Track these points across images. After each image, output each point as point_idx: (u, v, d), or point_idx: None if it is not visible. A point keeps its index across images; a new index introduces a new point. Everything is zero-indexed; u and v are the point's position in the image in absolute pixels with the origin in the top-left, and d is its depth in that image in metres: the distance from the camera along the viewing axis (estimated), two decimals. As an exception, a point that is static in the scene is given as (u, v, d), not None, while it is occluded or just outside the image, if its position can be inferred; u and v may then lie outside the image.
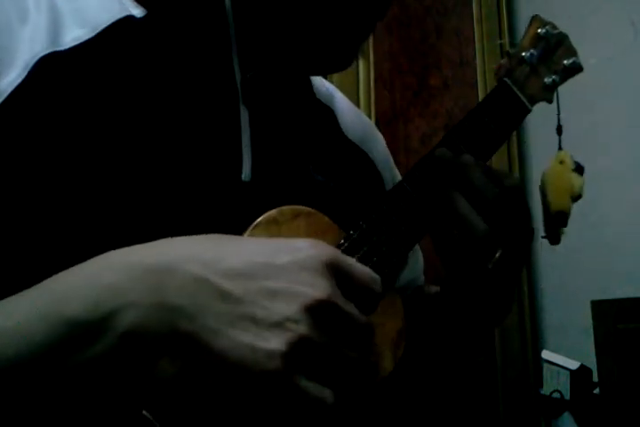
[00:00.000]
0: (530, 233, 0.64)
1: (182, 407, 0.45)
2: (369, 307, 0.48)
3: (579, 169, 0.69)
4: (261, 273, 0.43)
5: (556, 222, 0.68)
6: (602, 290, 1.54)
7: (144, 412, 0.44)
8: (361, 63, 1.86)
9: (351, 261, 0.47)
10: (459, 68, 1.99)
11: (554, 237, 0.70)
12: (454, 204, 0.60)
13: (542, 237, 0.70)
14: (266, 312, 0.42)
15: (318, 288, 0.43)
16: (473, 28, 1.98)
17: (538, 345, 1.77)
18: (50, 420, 0.44)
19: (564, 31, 0.73)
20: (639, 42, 1.65)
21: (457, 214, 0.60)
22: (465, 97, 1.96)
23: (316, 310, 0.42)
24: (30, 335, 0.42)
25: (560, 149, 0.70)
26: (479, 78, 1.94)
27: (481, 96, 1.93)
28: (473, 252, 0.61)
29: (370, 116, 1.82)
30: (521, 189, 0.63)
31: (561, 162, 0.69)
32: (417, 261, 0.82)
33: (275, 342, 0.41)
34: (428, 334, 0.79)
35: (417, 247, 0.82)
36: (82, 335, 0.42)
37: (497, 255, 0.61)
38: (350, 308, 0.45)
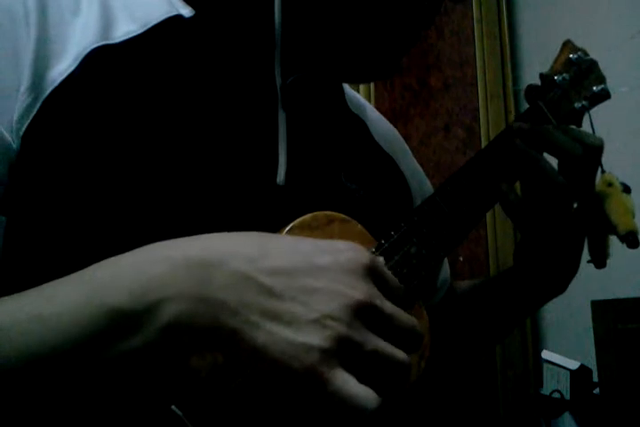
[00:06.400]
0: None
1: (213, 403, 0.45)
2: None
3: (627, 189, 0.70)
4: (303, 272, 0.43)
5: (628, 244, 0.69)
6: (602, 290, 1.54)
7: (173, 407, 0.44)
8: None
9: (385, 269, 0.47)
10: (459, 68, 1.99)
11: (600, 260, 0.70)
12: (536, 162, 0.65)
13: (588, 262, 0.71)
14: (305, 309, 0.42)
15: (358, 290, 0.43)
16: (473, 28, 1.98)
17: (538, 345, 1.77)
18: (77, 410, 0.44)
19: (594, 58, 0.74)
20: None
21: (540, 171, 0.65)
22: (465, 97, 1.96)
23: (355, 311, 0.42)
24: (70, 323, 0.41)
25: (603, 171, 0.70)
26: (479, 78, 1.94)
27: (481, 96, 1.93)
28: (554, 202, 0.67)
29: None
30: (602, 148, 0.67)
31: (609, 184, 0.70)
32: (445, 261, 0.83)
33: (314, 338, 0.41)
34: (452, 335, 0.79)
35: None
36: (123, 325, 0.41)
37: (574, 206, 0.67)
38: (394, 310, 0.45)
